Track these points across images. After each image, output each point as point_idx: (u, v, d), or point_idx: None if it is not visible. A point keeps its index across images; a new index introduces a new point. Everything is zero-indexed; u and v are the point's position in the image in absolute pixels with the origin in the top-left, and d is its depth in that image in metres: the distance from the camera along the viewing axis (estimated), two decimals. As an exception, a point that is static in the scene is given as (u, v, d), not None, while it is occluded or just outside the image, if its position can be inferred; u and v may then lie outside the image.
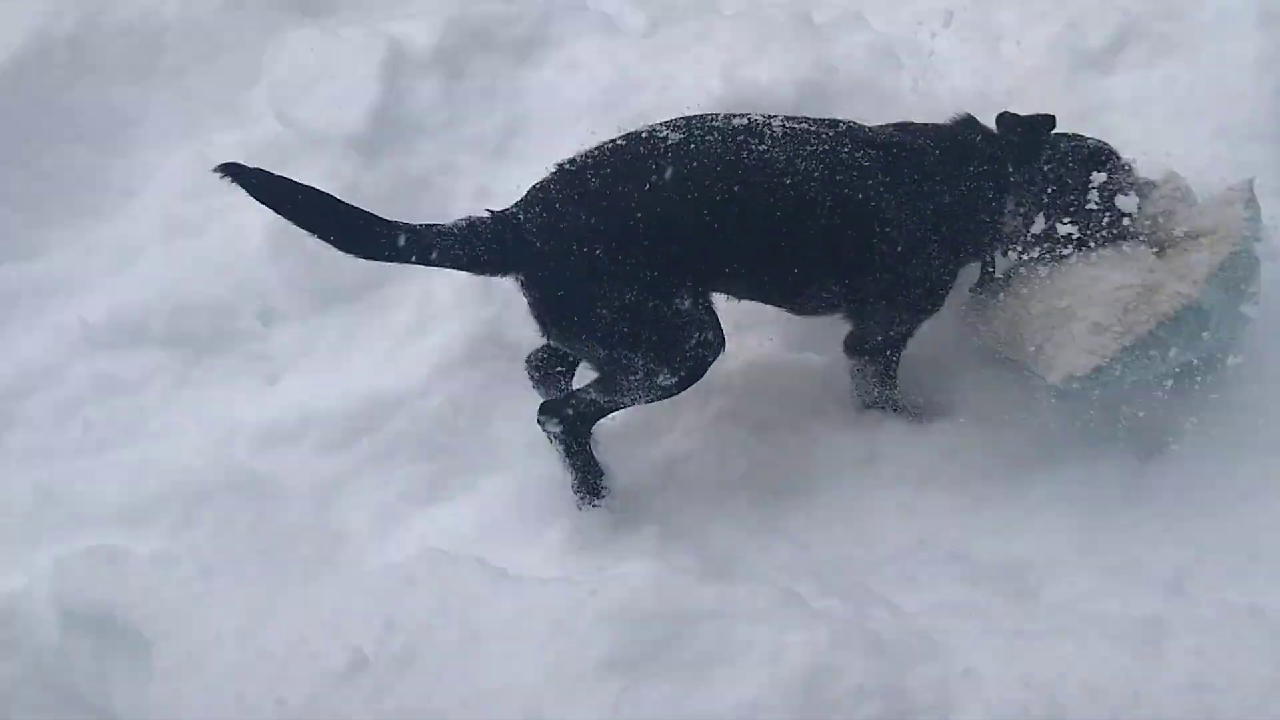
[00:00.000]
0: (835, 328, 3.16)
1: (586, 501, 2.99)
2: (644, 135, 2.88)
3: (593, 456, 2.99)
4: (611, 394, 2.91)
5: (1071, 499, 2.89)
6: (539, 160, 3.49)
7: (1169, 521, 2.80)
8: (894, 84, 3.59)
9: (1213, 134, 3.32)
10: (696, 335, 2.85)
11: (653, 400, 2.94)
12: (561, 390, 3.11)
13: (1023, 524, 2.86)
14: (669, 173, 2.79)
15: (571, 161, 2.90)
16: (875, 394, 3.16)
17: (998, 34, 3.97)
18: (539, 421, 2.96)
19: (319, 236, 2.73)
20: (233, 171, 2.67)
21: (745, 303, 3.10)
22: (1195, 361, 2.80)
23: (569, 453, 2.96)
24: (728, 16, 3.87)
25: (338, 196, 2.79)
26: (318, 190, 2.78)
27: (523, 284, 2.87)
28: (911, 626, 2.46)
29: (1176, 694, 2.23)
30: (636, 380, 2.86)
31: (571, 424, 2.94)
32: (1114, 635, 2.37)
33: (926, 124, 3.09)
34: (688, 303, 2.83)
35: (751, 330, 3.31)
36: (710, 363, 2.90)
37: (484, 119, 3.70)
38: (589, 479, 2.99)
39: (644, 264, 2.77)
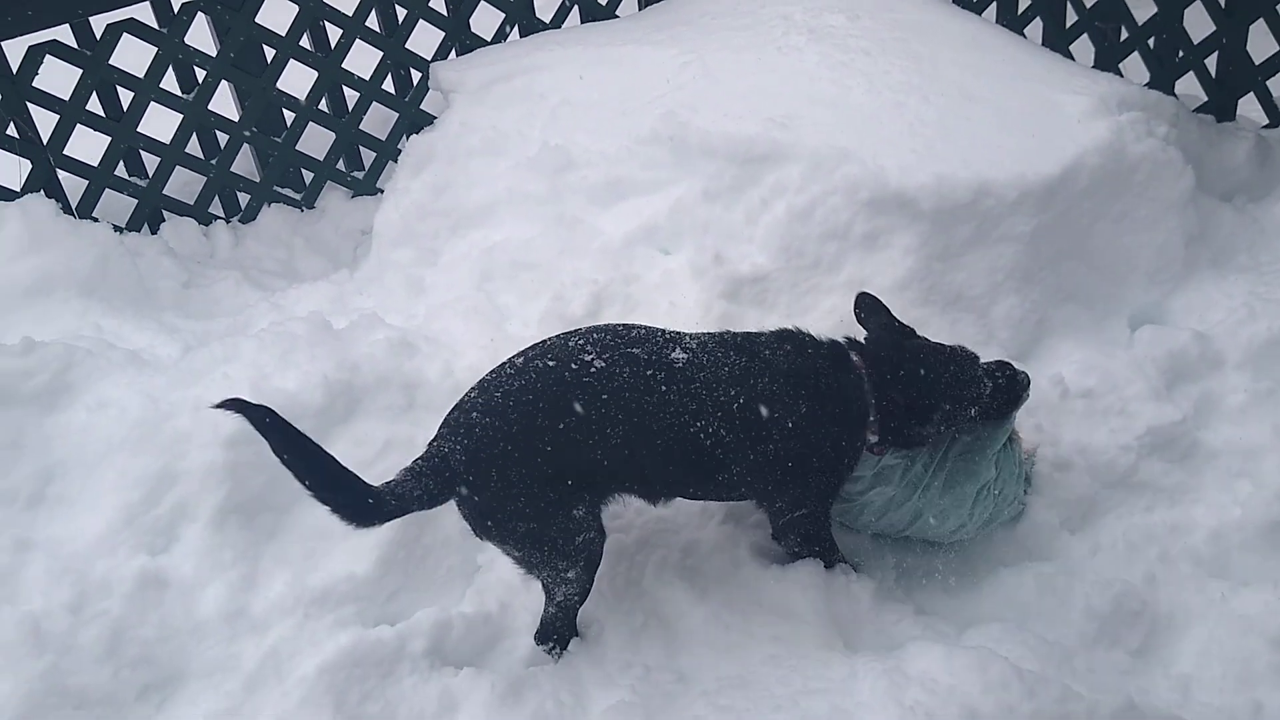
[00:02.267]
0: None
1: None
2: (560, 359, 3.29)
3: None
4: (553, 598, 3.42)
5: (630, 704, 3.20)
6: (82, 501, 3.58)
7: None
8: (414, 369, 3.99)
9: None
10: (583, 535, 3.31)
11: (576, 592, 3.40)
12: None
13: None
14: (578, 406, 3.22)
15: (491, 384, 3.31)
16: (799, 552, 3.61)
17: (504, 314, 4.55)
18: (544, 650, 3.50)
19: (332, 509, 3.06)
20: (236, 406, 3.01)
21: None
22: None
23: (563, 651, 3.50)
24: (253, 335, 4.12)
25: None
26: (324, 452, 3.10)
27: (457, 503, 3.27)
28: None
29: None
30: (551, 576, 3.36)
31: (555, 636, 3.48)
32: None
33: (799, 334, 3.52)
34: (581, 511, 3.29)
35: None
36: (599, 552, 3.40)
37: (10, 472, 3.65)
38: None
39: (551, 485, 3.23)
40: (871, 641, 3.41)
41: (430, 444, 3.30)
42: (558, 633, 3.49)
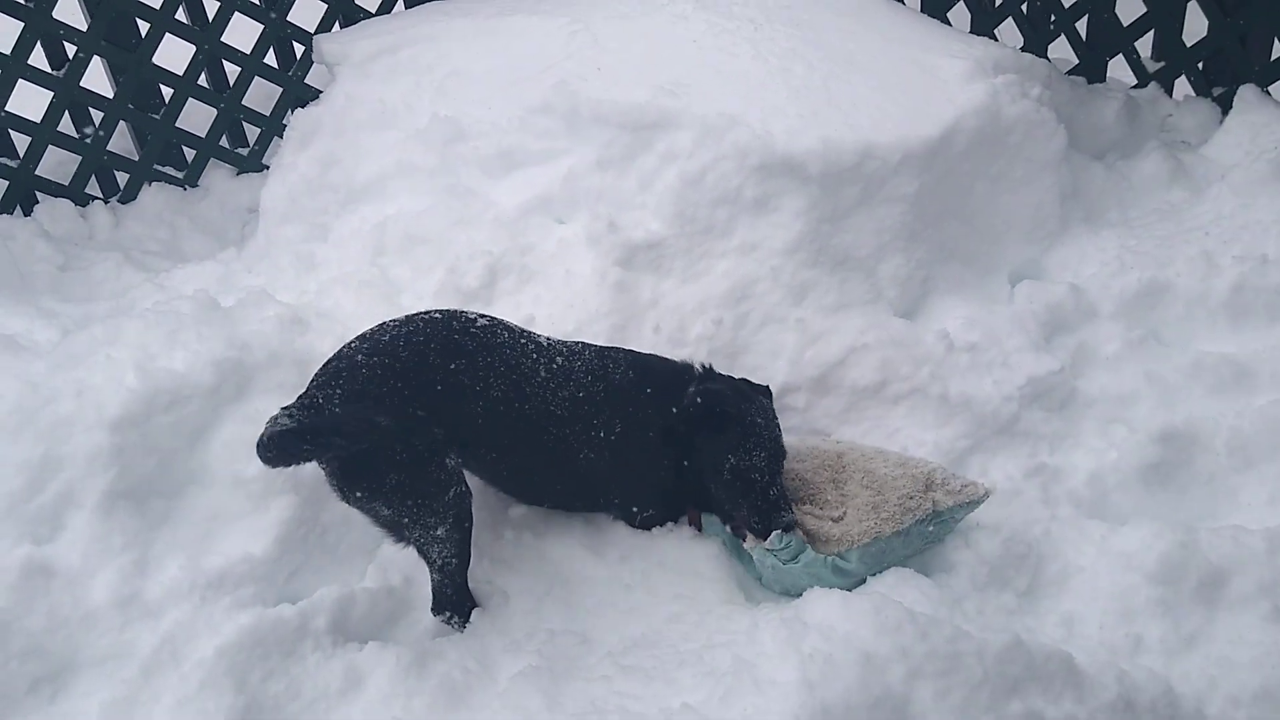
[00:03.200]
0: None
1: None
2: (445, 315, 3.42)
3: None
4: (433, 563, 3.39)
5: (537, 668, 3.22)
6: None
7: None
8: (305, 345, 3.93)
9: (568, 334, 3.99)
10: (454, 488, 3.31)
11: (453, 553, 3.37)
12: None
13: (498, 701, 3.13)
14: (467, 349, 3.32)
15: (374, 332, 3.36)
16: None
17: (398, 288, 4.51)
18: (443, 622, 3.47)
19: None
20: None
21: None
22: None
23: (465, 621, 3.47)
24: (137, 315, 4.01)
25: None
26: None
27: (324, 461, 3.27)
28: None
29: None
30: (423, 536, 3.32)
31: (452, 606, 3.44)
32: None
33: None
34: (452, 463, 3.30)
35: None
36: (469, 510, 3.38)
37: (-117, 463, 3.50)
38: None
39: (430, 430, 3.23)
40: (772, 595, 3.49)
41: (302, 395, 3.29)
42: (450, 603, 3.48)
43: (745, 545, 3.51)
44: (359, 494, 3.32)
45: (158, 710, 3.17)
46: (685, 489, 3.65)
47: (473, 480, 3.60)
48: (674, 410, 3.54)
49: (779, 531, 3.44)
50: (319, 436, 3.14)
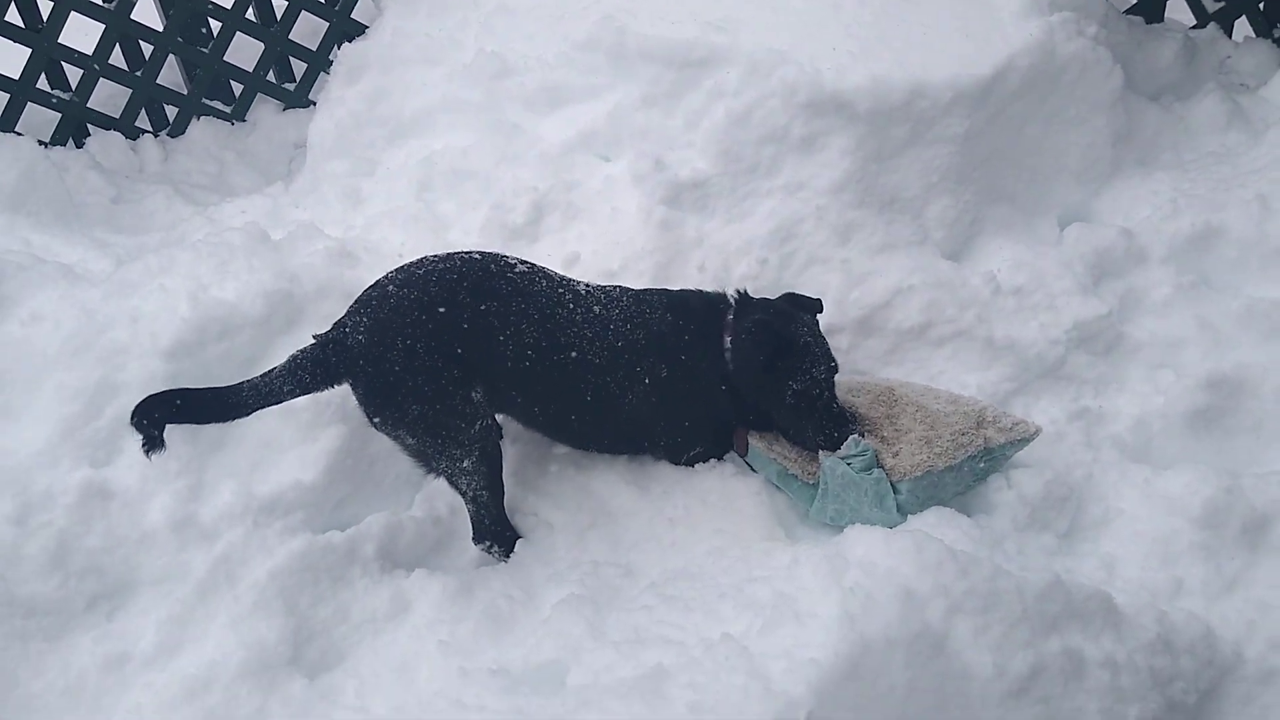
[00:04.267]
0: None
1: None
2: (485, 255, 3.44)
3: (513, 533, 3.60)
4: (464, 494, 3.49)
5: (580, 597, 3.29)
6: (22, 414, 3.55)
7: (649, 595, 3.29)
8: (354, 278, 3.96)
9: (613, 272, 4.03)
10: (480, 422, 3.37)
11: (483, 485, 3.44)
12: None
13: (542, 629, 3.20)
14: (501, 292, 3.35)
15: (412, 265, 3.40)
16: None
17: (445, 224, 4.53)
18: (483, 551, 3.56)
19: (187, 423, 3.33)
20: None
21: None
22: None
23: (507, 552, 3.55)
24: (189, 246, 4.07)
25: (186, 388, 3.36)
26: (171, 391, 3.32)
27: (351, 385, 3.36)
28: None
29: (679, 722, 2.65)
30: (450, 468, 3.41)
31: (491, 536, 3.53)
32: (625, 693, 2.76)
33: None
34: (479, 396, 3.31)
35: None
36: (496, 445, 3.46)
37: (-53, 386, 3.59)
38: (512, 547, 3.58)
39: (456, 364, 3.29)
40: (812, 532, 3.52)
41: (333, 325, 3.38)
42: (490, 533, 3.55)
43: (821, 458, 3.51)
44: (383, 422, 3.39)
45: (213, 628, 3.27)
46: (733, 424, 3.66)
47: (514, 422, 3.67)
48: (725, 352, 3.54)
49: (855, 436, 3.48)
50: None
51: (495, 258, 3.49)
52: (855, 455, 3.44)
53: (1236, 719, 2.95)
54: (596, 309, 3.50)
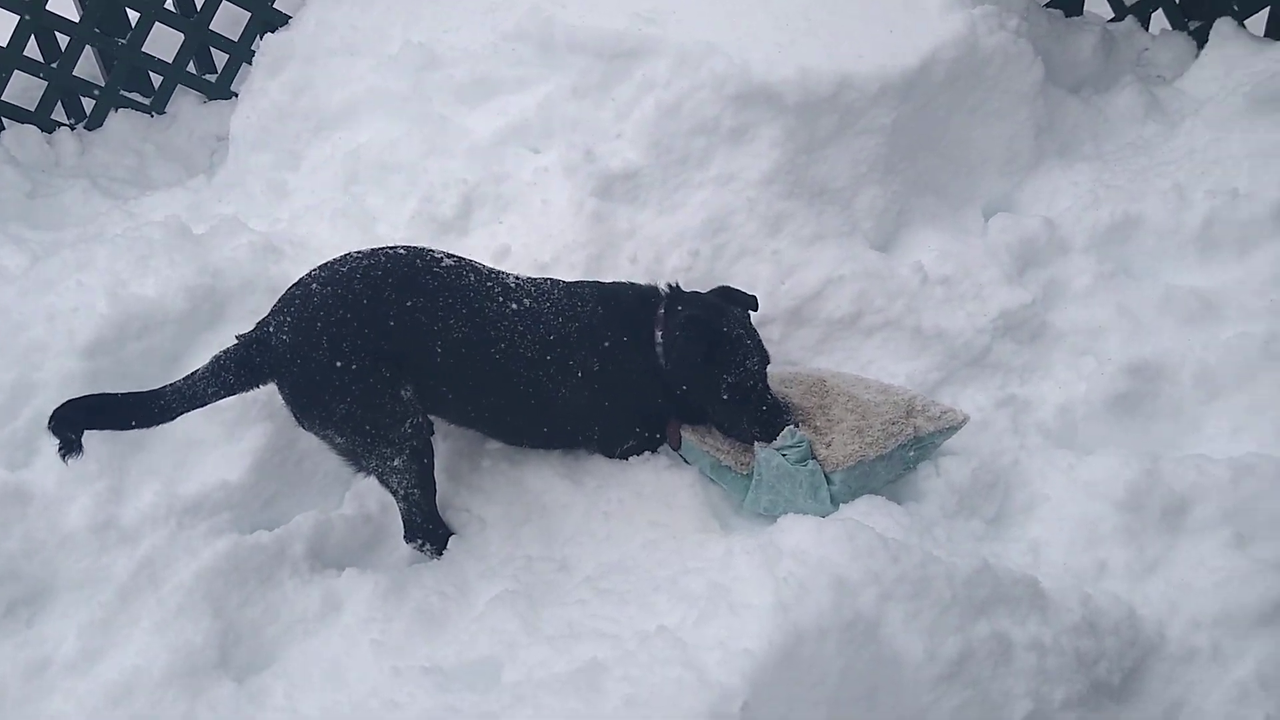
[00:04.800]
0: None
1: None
2: (411, 251, 3.38)
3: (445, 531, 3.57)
4: (395, 492, 3.44)
5: (514, 593, 3.27)
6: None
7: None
8: (280, 273, 3.90)
9: (545, 264, 4.01)
10: (410, 420, 3.32)
11: (414, 484, 3.40)
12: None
13: (476, 625, 3.17)
14: (427, 288, 3.29)
15: (334, 262, 3.33)
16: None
17: (372, 217, 4.47)
18: (416, 549, 3.53)
19: (107, 429, 3.26)
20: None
21: None
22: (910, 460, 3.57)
23: (439, 549, 3.52)
24: (107, 241, 3.96)
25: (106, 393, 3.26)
26: (92, 396, 3.23)
27: (278, 385, 3.31)
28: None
29: (616, 716, 2.65)
30: (380, 466, 3.37)
31: (424, 534, 3.49)
32: (560, 688, 2.75)
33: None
34: (408, 394, 3.27)
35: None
36: (427, 442, 3.40)
37: None
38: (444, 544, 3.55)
39: (383, 363, 3.24)
40: (745, 523, 3.54)
41: (256, 324, 3.33)
42: (422, 531, 3.51)
43: (756, 449, 3.52)
44: (310, 422, 3.34)
45: (136, 633, 3.20)
46: (666, 416, 3.67)
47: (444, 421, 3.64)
48: (656, 346, 3.54)
49: (790, 428, 3.49)
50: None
51: (421, 252, 3.43)
52: (791, 447, 3.46)
53: (1160, 697, 3.02)
54: (527, 302, 3.47)
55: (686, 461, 3.67)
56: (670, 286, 3.65)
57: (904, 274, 4.04)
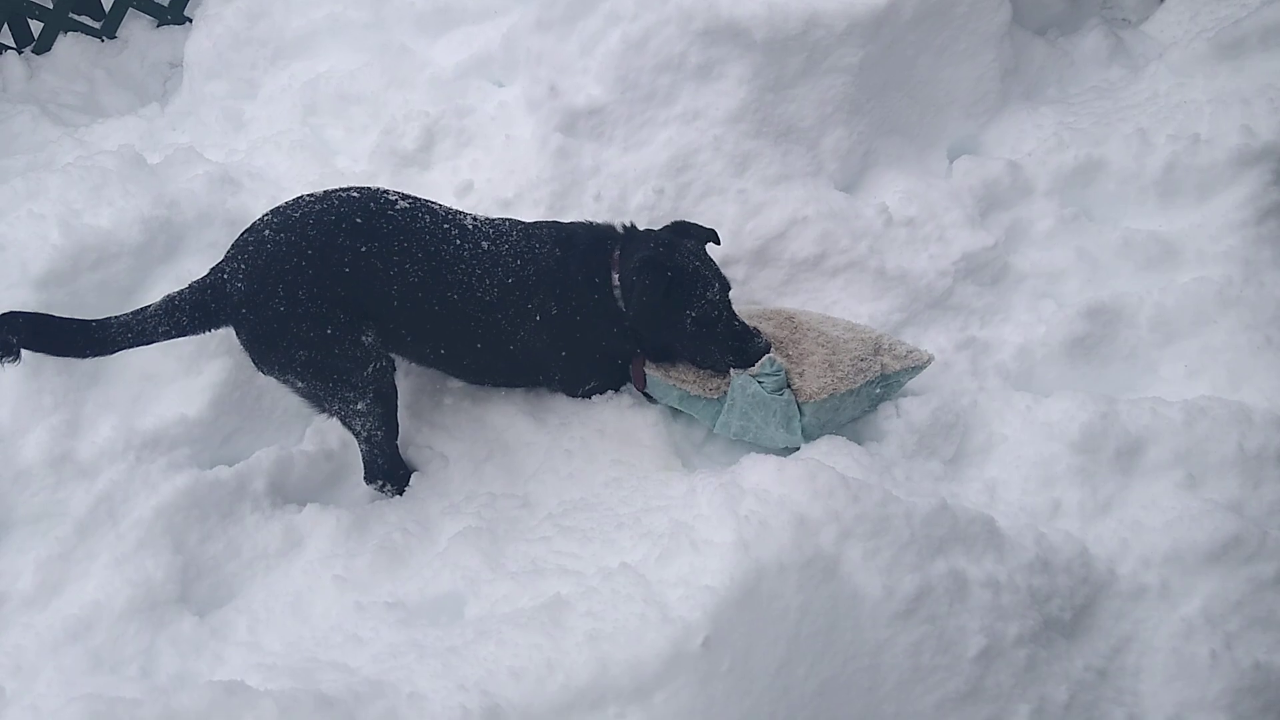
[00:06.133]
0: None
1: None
2: (365, 194, 3.32)
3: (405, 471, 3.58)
4: (358, 434, 3.44)
5: (477, 529, 3.28)
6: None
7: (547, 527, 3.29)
8: (238, 205, 3.83)
9: (508, 201, 3.98)
10: (372, 364, 3.32)
11: (377, 426, 3.40)
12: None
13: (438, 561, 3.18)
14: (381, 232, 3.25)
15: (287, 206, 3.27)
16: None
17: (331, 150, 4.40)
18: (375, 490, 3.53)
19: (44, 352, 3.21)
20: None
21: None
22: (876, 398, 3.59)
23: (400, 489, 3.53)
24: (59, 170, 3.87)
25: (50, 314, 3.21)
26: (34, 314, 3.18)
27: (235, 331, 3.28)
28: (358, 677, 2.70)
29: (579, 650, 2.68)
30: (343, 409, 3.36)
31: (384, 475, 3.50)
32: (524, 623, 2.78)
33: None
34: (369, 339, 3.26)
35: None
36: (391, 384, 3.40)
37: None
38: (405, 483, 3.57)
39: (341, 307, 3.21)
40: (708, 461, 3.56)
41: (211, 269, 3.28)
42: (383, 472, 3.51)
43: (732, 375, 3.49)
44: (270, 368, 3.32)
45: (94, 568, 3.18)
46: (628, 355, 3.66)
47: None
48: (614, 289, 3.51)
49: (770, 356, 3.47)
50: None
51: (375, 194, 3.37)
52: (769, 375, 3.45)
53: (1110, 633, 3.09)
54: (485, 245, 3.43)
55: (652, 400, 3.67)
56: (625, 227, 3.62)
57: (868, 215, 4.04)
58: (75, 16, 5.26)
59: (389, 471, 3.50)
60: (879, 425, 3.60)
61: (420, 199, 3.46)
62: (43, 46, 5.21)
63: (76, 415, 3.44)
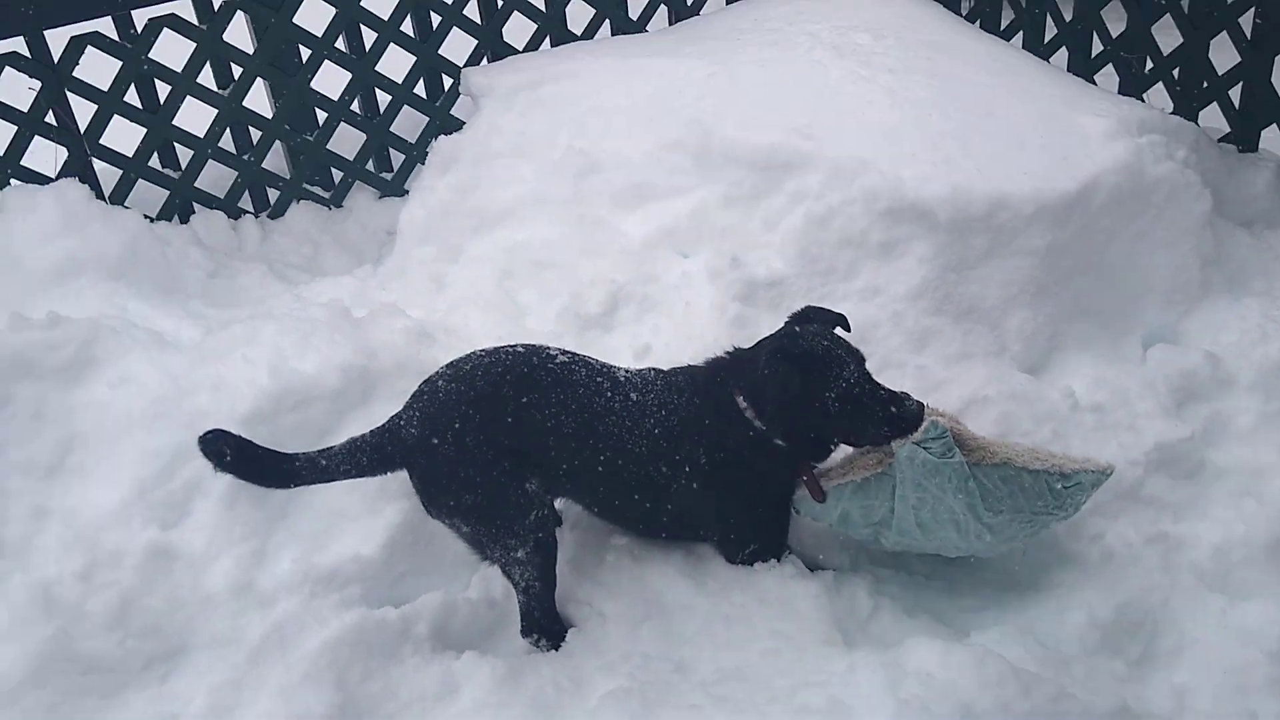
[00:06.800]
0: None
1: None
2: (528, 349, 3.51)
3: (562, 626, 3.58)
4: (516, 584, 3.49)
5: (629, 690, 3.23)
6: (99, 473, 3.64)
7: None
8: (430, 358, 4.04)
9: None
10: (535, 512, 3.40)
11: (536, 576, 3.45)
12: None
13: None
14: (541, 384, 3.41)
15: (460, 360, 3.49)
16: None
17: (522, 311, 4.61)
18: (531, 644, 3.54)
19: (237, 473, 3.41)
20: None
21: None
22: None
23: (555, 644, 3.52)
24: (274, 318, 4.19)
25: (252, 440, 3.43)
26: (240, 436, 3.41)
27: (409, 473, 3.45)
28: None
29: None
30: (503, 557, 3.44)
31: (539, 629, 3.52)
32: None
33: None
34: (533, 487, 3.37)
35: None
36: (552, 534, 3.48)
37: (31, 442, 3.70)
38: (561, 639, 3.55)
39: (506, 455, 3.35)
40: (871, 639, 3.41)
41: (392, 415, 3.49)
42: (538, 626, 3.52)
43: (894, 447, 3.30)
44: (438, 511, 3.47)
45: (262, 696, 3.28)
46: (786, 504, 3.59)
47: (576, 505, 3.68)
48: (744, 412, 3.41)
49: (932, 420, 3.25)
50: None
51: (537, 350, 3.54)
52: (934, 439, 3.22)
53: None
54: (634, 395, 3.49)
55: (831, 521, 3.52)
56: (728, 352, 3.55)
57: (1053, 398, 3.92)
58: (308, 186, 5.78)
59: (545, 625, 3.52)
60: (1060, 616, 3.40)
61: (577, 354, 3.59)
62: (277, 212, 5.73)
63: (264, 546, 3.61)
